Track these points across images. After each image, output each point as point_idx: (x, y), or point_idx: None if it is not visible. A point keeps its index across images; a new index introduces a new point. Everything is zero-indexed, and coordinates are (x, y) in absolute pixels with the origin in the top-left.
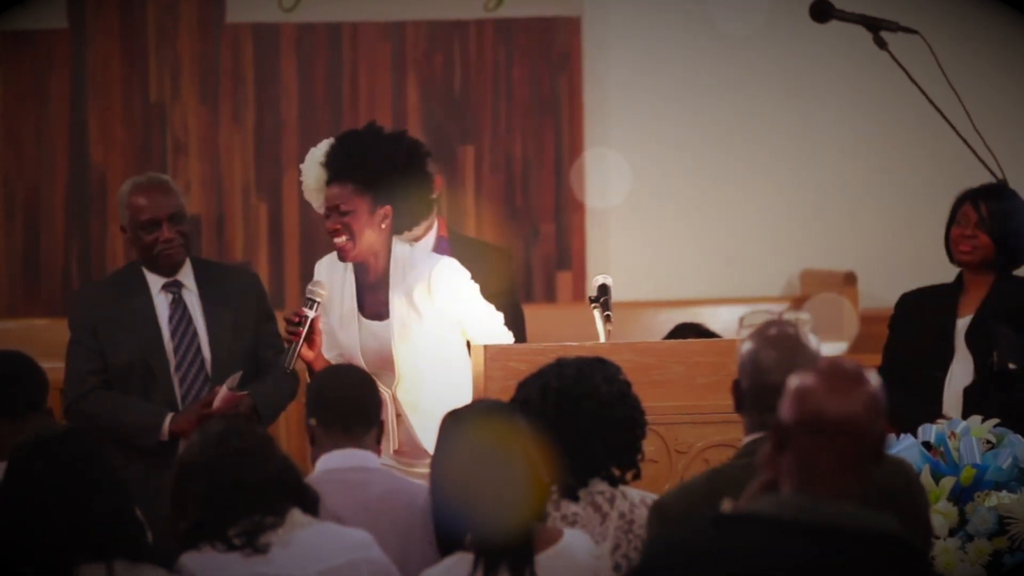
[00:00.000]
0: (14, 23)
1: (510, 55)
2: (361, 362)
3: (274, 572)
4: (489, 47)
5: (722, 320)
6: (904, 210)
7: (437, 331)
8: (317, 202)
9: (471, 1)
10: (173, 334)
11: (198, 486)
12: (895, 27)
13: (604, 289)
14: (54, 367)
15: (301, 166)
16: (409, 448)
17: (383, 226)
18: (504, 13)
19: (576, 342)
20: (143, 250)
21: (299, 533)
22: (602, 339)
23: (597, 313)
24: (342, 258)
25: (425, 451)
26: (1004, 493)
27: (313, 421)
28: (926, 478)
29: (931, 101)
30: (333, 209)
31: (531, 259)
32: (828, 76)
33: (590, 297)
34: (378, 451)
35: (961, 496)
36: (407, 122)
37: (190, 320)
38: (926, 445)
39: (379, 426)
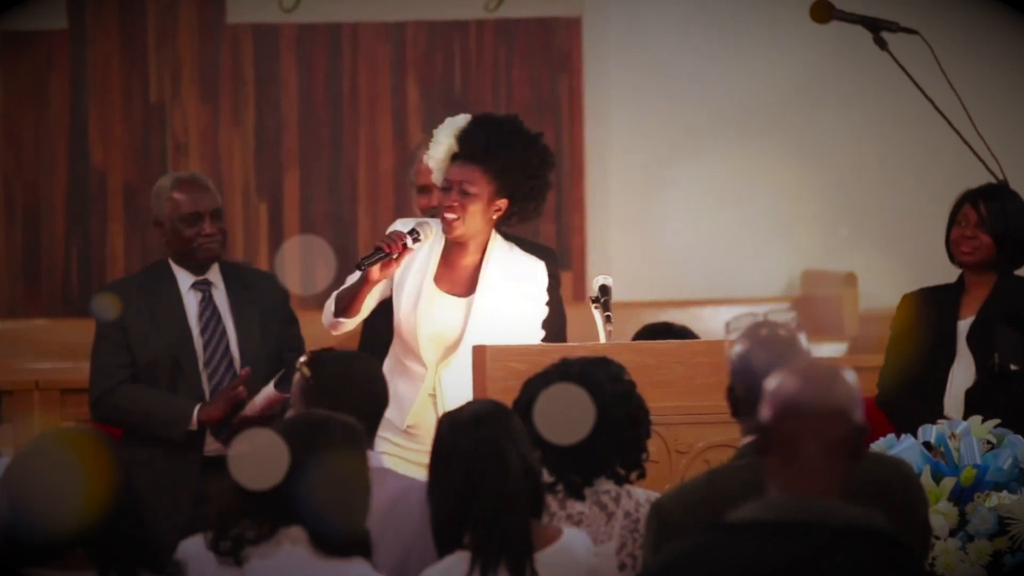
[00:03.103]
0: (14, 23)
1: (510, 55)
2: (415, 332)
3: None
4: (489, 47)
5: (722, 320)
6: (904, 210)
7: (508, 323)
8: (439, 172)
9: (471, 1)
10: (203, 331)
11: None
12: (895, 27)
13: (605, 289)
14: (54, 367)
15: (434, 131)
16: (423, 431)
17: (494, 217)
18: (504, 13)
19: (577, 342)
20: (182, 243)
21: (294, 554)
22: (602, 339)
23: (598, 313)
24: (447, 232)
25: None
26: (1004, 493)
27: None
28: (926, 478)
29: (931, 101)
30: (455, 185)
31: None
32: (829, 76)
33: (591, 297)
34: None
35: (961, 496)
36: (407, 122)
37: (219, 318)
38: (926, 445)
39: None
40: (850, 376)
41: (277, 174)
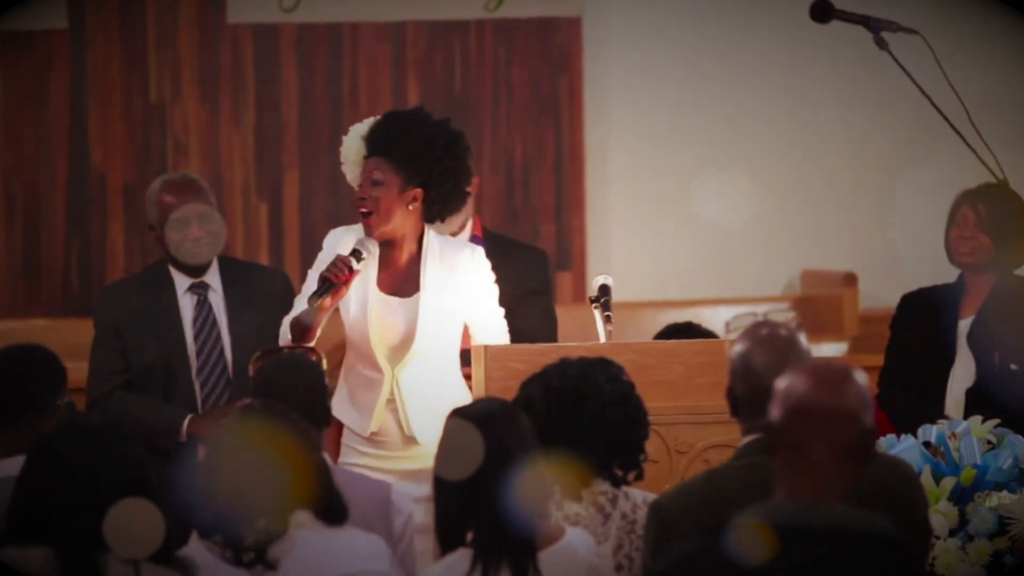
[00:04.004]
0: (14, 23)
1: (510, 55)
2: (367, 338)
3: None
4: (489, 47)
5: (722, 320)
6: (904, 210)
7: (459, 316)
8: (352, 176)
9: (471, 1)
10: (196, 337)
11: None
12: (895, 27)
13: (604, 289)
14: None
15: (343, 137)
16: (387, 437)
17: (411, 207)
18: (504, 13)
19: (576, 342)
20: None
21: (305, 537)
22: (602, 339)
23: (598, 313)
24: (367, 232)
25: (407, 440)
26: (1004, 493)
27: None
28: (926, 478)
29: (931, 101)
30: (366, 180)
31: None
32: (828, 76)
33: (591, 297)
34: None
35: (961, 496)
36: None
37: (214, 323)
38: (926, 445)
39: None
40: (860, 377)
41: (277, 174)
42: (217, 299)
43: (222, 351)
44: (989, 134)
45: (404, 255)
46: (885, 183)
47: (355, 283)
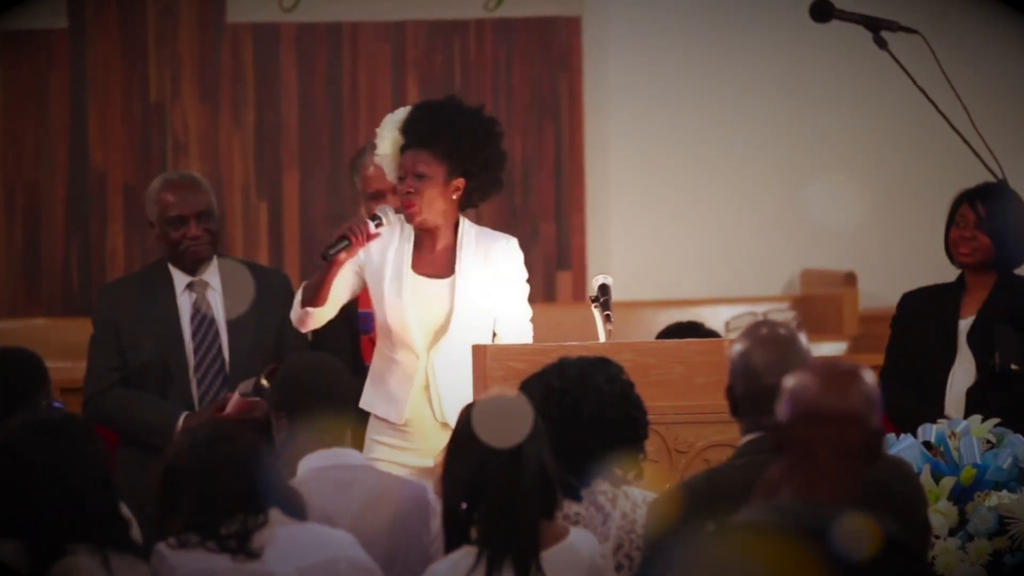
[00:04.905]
0: (14, 23)
1: (510, 55)
2: (404, 320)
3: (254, 569)
4: (489, 47)
5: (722, 320)
6: (904, 210)
7: (490, 302)
8: (390, 168)
9: (471, 1)
10: (194, 335)
11: (190, 490)
12: (895, 27)
13: (604, 289)
14: (55, 367)
15: (376, 129)
16: (418, 425)
17: (454, 197)
18: (504, 13)
19: (576, 342)
20: (170, 246)
21: (279, 531)
22: (602, 339)
23: (597, 313)
24: (408, 220)
25: (440, 426)
26: (1004, 493)
27: (284, 417)
28: (926, 478)
29: (931, 101)
30: (408, 171)
31: (531, 259)
32: (828, 76)
33: (590, 297)
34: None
35: (961, 496)
36: None
37: (212, 321)
38: (926, 445)
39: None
40: (868, 376)
41: (277, 174)
42: (215, 297)
43: (220, 349)
44: (989, 134)
45: (440, 242)
46: (885, 183)
47: (391, 266)
